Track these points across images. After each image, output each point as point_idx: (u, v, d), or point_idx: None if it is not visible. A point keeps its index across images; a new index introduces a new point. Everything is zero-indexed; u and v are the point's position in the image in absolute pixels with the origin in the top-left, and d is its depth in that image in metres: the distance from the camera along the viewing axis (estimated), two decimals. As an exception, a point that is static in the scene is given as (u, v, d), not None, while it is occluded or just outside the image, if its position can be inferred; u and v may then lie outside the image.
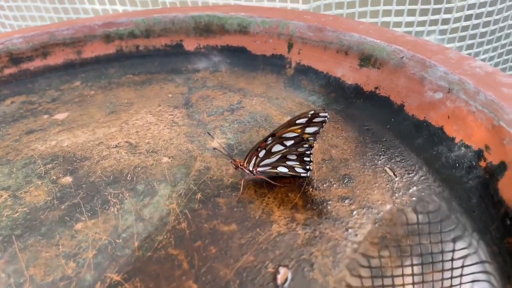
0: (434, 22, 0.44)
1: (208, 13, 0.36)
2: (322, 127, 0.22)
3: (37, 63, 0.36)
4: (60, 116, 0.32)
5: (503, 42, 0.47)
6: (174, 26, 0.37)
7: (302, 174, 0.23)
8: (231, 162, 0.24)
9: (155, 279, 0.18)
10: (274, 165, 0.23)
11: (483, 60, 0.49)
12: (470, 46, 0.47)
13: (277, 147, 0.23)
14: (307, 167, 0.23)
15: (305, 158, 0.23)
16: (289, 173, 0.23)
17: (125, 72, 0.37)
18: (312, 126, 0.22)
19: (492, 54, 0.48)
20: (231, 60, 0.37)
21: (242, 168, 0.23)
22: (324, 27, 0.31)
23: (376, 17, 0.44)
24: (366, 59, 0.29)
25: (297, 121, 0.22)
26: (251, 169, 0.23)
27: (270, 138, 0.22)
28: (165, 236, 0.20)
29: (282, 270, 0.18)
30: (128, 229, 0.21)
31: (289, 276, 0.18)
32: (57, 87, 0.36)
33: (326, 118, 0.21)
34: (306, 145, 0.22)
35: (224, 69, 0.36)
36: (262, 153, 0.23)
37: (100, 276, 0.19)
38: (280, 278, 0.18)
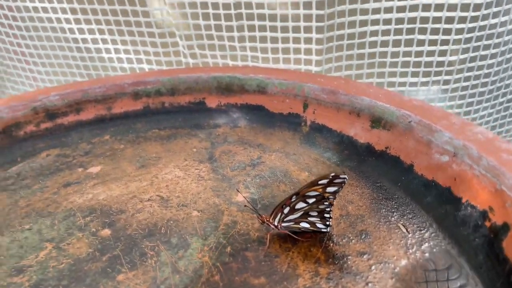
0: (436, 82, 0.47)
1: (229, 74, 0.40)
2: (342, 187, 0.24)
3: (71, 118, 0.39)
4: (94, 169, 0.34)
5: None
6: (197, 85, 0.40)
7: (322, 230, 0.26)
8: (258, 217, 0.26)
9: (194, 329, 0.20)
10: (297, 221, 0.25)
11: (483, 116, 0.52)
12: (470, 104, 0.50)
13: (300, 204, 0.25)
14: (327, 223, 0.25)
15: (326, 215, 0.25)
16: (310, 228, 0.26)
17: (151, 127, 0.40)
18: (333, 186, 0.24)
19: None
20: (250, 116, 0.40)
21: (268, 223, 0.25)
22: (337, 90, 0.35)
23: (382, 78, 0.47)
24: (377, 121, 0.32)
25: (319, 182, 0.24)
26: (276, 224, 0.25)
27: (294, 196, 0.25)
28: (201, 288, 0.22)
29: (310, 322, 0.20)
30: (166, 280, 0.23)
31: (317, 327, 0.20)
32: (89, 140, 0.38)
33: (346, 180, 0.24)
34: (327, 203, 0.25)
35: (243, 125, 0.39)
36: (286, 210, 0.25)
37: (144, 326, 0.21)
38: (308, 330, 0.20)
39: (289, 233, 0.26)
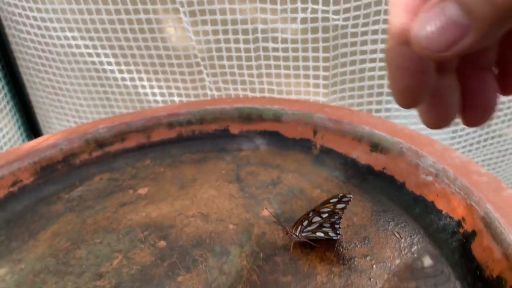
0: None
1: (249, 105, 0.47)
2: (348, 204, 0.32)
3: (117, 147, 0.47)
4: (142, 191, 0.41)
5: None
6: (222, 115, 0.48)
7: (334, 238, 0.33)
8: (283, 229, 0.33)
9: (242, 315, 0.27)
10: (313, 231, 0.32)
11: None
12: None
13: (316, 219, 0.32)
14: (337, 232, 0.33)
15: (336, 225, 0.32)
16: (324, 237, 0.33)
17: (185, 152, 0.47)
18: (341, 203, 0.31)
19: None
20: (267, 141, 0.47)
21: (291, 233, 0.33)
22: (341, 120, 0.42)
23: (380, 105, 0.55)
24: (375, 146, 0.39)
25: (330, 200, 0.31)
26: (297, 234, 0.32)
27: (311, 213, 0.32)
28: (243, 285, 0.30)
29: (328, 308, 0.27)
30: (215, 280, 0.30)
31: (333, 312, 0.27)
32: (133, 165, 0.46)
33: (351, 198, 0.31)
34: (337, 217, 0.32)
35: (262, 149, 0.46)
36: (305, 223, 0.32)
37: (205, 314, 0.28)
38: (327, 314, 0.27)
39: (308, 241, 0.33)
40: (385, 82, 0.53)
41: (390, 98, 0.54)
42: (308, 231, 0.33)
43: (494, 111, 0.17)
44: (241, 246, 0.33)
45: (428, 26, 0.13)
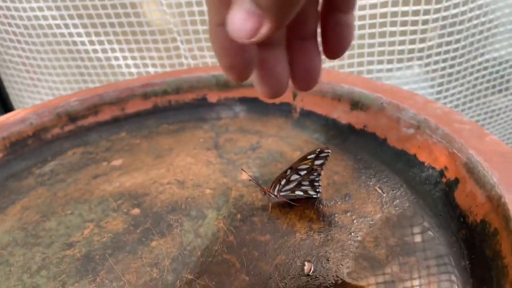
0: (409, 67, 0.53)
1: (226, 71, 0.45)
2: (327, 159, 0.30)
3: (90, 120, 0.45)
4: (117, 162, 0.40)
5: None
6: (198, 84, 0.46)
7: (313, 196, 0.32)
8: (260, 190, 0.32)
9: (217, 275, 0.26)
10: (292, 190, 0.31)
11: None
12: (440, 84, 0.56)
13: (294, 176, 0.31)
14: (317, 190, 0.31)
15: (315, 183, 0.31)
16: (304, 195, 0.31)
17: (161, 123, 0.45)
18: (319, 159, 0.30)
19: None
20: (247, 108, 0.45)
21: (269, 194, 0.31)
22: (320, 80, 0.40)
23: (362, 67, 0.53)
24: (355, 104, 0.38)
25: (308, 157, 0.30)
26: (275, 194, 0.31)
27: (288, 170, 0.30)
28: (219, 246, 0.28)
29: (307, 263, 0.26)
30: (191, 243, 0.29)
31: (312, 267, 0.26)
32: (108, 138, 0.44)
33: (329, 153, 0.30)
34: (315, 173, 0.31)
35: (242, 116, 0.45)
36: (283, 182, 0.31)
37: (178, 276, 0.26)
38: (306, 269, 0.26)
39: (287, 201, 0.31)
40: (367, 41, 0.51)
41: (373, 58, 0.53)
42: (287, 190, 0.31)
43: (319, 75, 0.20)
44: (218, 209, 0.32)
45: (234, 18, 0.15)
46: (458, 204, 0.27)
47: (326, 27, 0.19)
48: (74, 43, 0.54)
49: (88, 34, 0.53)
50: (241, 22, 0.14)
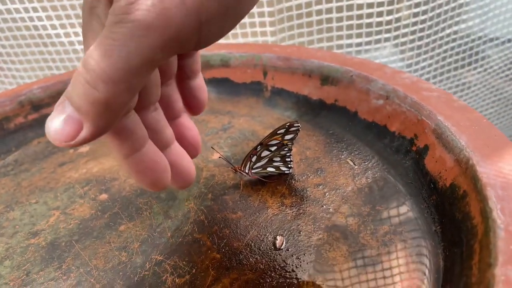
0: (378, 41, 0.53)
1: (195, 52, 0.44)
2: (297, 134, 0.30)
3: (55, 108, 0.43)
4: (83, 149, 0.38)
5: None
6: (167, 66, 0.45)
7: (286, 172, 0.31)
8: (231, 168, 0.31)
9: (188, 255, 0.25)
10: (264, 167, 0.31)
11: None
12: (410, 57, 0.56)
13: (265, 153, 0.30)
14: (289, 165, 0.31)
15: (287, 159, 0.31)
16: (276, 171, 0.31)
17: (130, 108, 0.44)
18: (289, 134, 0.29)
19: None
20: (217, 89, 0.44)
21: (240, 172, 0.31)
22: (290, 57, 0.40)
23: (331, 42, 0.53)
24: (325, 79, 0.37)
25: (278, 131, 0.29)
26: (247, 171, 0.30)
27: (259, 147, 0.30)
28: (190, 226, 0.28)
29: (279, 238, 0.26)
30: (160, 225, 0.28)
31: (284, 241, 0.25)
32: (74, 126, 0.42)
33: (299, 127, 0.29)
34: (286, 149, 0.30)
35: (212, 97, 0.44)
36: (254, 159, 0.30)
37: (147, 258, 0.25)
38: (278, 243, 0.25)
39: (260, 178, 0.31)
40: (335, 15, 0.50)
41: (342, 33, 0.52)
42: (259, 167, 0.31)
43: (202, 105, 0.24)
44: (188, 190, 0.31)
45: (53, 122, 0.15)
46: (428, 171, 0.27)
47: (182, 93, 0.23)
48: (35, 27, 0.52)
49: (49, 18, 0.51)
50: (60, 125, 0.15)
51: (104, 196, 0.32)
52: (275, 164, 0.31)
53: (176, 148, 0.22)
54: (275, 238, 0.26)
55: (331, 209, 0.27)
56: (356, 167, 0.31)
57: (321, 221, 0.27)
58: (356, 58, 0.37)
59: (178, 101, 0.23)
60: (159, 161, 0.20)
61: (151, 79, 0.19)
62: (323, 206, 0.28)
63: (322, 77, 0.38)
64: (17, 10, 0.50)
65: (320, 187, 0.30)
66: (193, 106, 0.24)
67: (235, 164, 0.32)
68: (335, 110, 0.37)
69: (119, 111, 0.15)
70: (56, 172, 0.35)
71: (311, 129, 0.36)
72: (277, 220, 0.27)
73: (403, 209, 0.27)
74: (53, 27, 0.52)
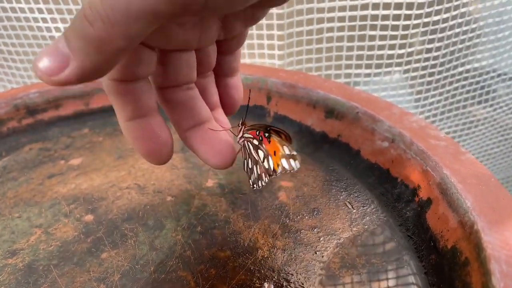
0: (387, 73, 0.52)
1: (199, 69, 0.43)
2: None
3: (50, 114, 0.42)
4: (75, 161, 0.37)
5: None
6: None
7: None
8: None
9: (169, 295, 0.24)
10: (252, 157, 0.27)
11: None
12: (419, 92, 0.55)
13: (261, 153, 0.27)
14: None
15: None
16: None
17: (128, 120, 0.43)
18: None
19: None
20: (219, 109, 0.43)
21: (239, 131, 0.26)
22: (296, 84, 0.38)
23: (339, 70, 0.51)
24: (330, 112, 0.36)
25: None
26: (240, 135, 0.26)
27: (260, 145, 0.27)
28: (175, 262, 0.26)
29: (266, 285, 0.24)
30: (144, 256, 0.27)
31: (272, 289, 0.24)
32: (69, 134, 0.41)
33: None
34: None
35: (213, 117, 0.43)
36: (255, 142, 0.27)
37: (127, 294, 0.24)
38: (265, 291, 0.24)
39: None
40: (346, 44, 0.49)
41: (352, 62, 0.51)
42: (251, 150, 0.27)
43: (236, 104, 0.25)
44: (177, 219, 0.30)
45: (44, 51, 0.14)
46: (429, 226, 0.26)
47: (218, 89, 0.23)
48: (39, 28, 0.51)
49: (54, 20, 0.50)
50: (47, 57, 0.14)
51: (89, 217, 0.30)
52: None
53: (212, 126, 0.22)
54: (262, 285, 0.24)
55: (324, 257, 0.26)
56: (354, 211, 0.30)
57: (312, 269, 0.25)
58: (363, 93, 0.36)
59: (214, 95, 0.23)
60: (159, 133, 0.20)
61: (182, 58, 0.19)
62: (316, 253, 0.26)
63: (327, 110, 0.36)
64: (22, 10, 0.49)
65: (315, 230, 0.28)
66: (226, 104, 0.24)
67: (229, 197, 0.30)
68: (338, 145, 0.35)
69: (109, 57, 0.14)
70: (44, 185, 0.34)
71: (311, 163, 0.35)
72: (266, 264, 0.26)
73: (400, 265, 0.25)
74: (58, 30, 0.51)
